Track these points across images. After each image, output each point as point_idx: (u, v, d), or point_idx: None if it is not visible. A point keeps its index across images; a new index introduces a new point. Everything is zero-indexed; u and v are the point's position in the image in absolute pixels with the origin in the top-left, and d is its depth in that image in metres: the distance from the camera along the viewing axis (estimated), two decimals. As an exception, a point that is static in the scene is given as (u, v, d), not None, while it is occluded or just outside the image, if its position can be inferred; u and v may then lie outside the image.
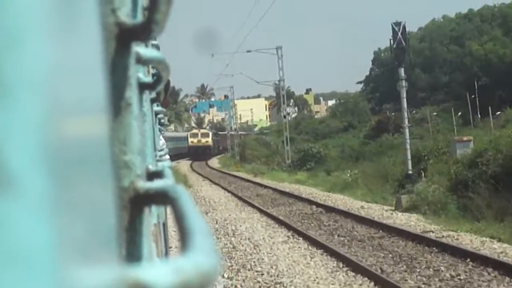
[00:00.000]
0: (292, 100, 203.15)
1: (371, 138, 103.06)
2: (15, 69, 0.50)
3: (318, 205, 31.71)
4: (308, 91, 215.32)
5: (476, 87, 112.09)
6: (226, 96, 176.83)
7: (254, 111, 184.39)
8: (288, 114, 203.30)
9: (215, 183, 51.81)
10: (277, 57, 66.69)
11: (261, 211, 31.24)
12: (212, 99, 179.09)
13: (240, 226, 26.99)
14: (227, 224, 27.88)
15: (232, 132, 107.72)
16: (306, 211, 30.55)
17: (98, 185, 0.75)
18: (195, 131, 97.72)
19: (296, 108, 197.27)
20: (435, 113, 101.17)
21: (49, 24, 0.55)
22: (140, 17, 1.82)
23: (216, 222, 28.35)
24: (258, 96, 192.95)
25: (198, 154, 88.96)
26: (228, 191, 44.04)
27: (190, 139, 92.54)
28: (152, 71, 3.08)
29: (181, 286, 0.79)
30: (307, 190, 41.73)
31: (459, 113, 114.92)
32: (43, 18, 0.54)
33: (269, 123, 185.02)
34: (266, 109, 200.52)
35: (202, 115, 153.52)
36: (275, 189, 42.61)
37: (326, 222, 26.66)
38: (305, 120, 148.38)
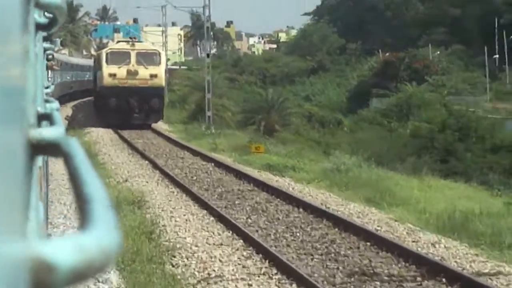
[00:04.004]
0: (211, 33, 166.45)
1: (376, 86, 68.94)
2: None
3: None
4: (229, 23, 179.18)
5: (496, 26, 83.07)
6: (135, 20, 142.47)
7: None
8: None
9: None
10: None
11: None
12: (118, 23, 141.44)
13: None
14: None
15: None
16: None
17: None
18: (121, 45, 40.30)
19: (215, 42, 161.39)
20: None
21: None
22: None
23: None
24: (173, 25, 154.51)
25: (129, 113, 37.97)
26: None
27: (106, 70, 37.98)
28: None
29: (84, 264, 0.79)
30: None
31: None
32: None
33: (183, 58, 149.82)
34: (181, 41, 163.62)
35: (105, 40, 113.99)
36: None
37: None
38: (245, 57, 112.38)
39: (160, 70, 38.73)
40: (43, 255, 0.74)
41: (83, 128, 36.50)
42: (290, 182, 20.02)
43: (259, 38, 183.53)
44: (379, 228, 13.56)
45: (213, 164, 24.00)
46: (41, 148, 1.43)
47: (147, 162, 24.49)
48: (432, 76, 67.82)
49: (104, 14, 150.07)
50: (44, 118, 2.11)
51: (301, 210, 15.58)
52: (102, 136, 33.73)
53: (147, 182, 19.69)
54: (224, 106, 47.84)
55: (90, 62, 61.49)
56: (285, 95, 54.42)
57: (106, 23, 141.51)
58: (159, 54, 39.75)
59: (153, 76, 37.92)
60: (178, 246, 12.21)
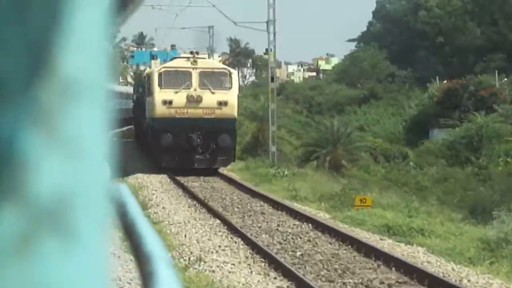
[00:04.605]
0: (250, 60, 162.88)
1: (437, 116, 62.99)
2: None
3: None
4: (268, 51, 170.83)
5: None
6: (172, 46, 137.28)
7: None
8: (245, 77, 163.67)
9: None
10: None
11: None
12: (155, 49, 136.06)
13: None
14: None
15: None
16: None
17: None
18: (179, 62, 29.85)
19: (254, 70, 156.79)
20: None
21: None
22: None
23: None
24: (211, 52, 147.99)
25: (189, 154, 28.44)
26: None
27: (158, 96, 28.71)
28: None
29: None
30: None
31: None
32: None
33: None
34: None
35: (142, 67, 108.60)
36: None
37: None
38: (288, 84, 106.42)
39: (231, 96, 28.67)
40: None
41: (125, 171, 27.01)
42: (444, 264, 13.04)
43: (298, 65, 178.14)
44: None
45: (310, 224, 17.02)
46: None
47: (218, 221, 17.72)
48: (500, 105, 61.07)
49: (140, 40, 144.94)
50: None
51: None
52: (149, 177, 26.89)
53: (233, 264, 12.72)
54: (283, 139, 41.07)
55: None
56: (351, 126, 47.73)
57: (143, 49, 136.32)
58: (230, 74, 29.34)
59: (222, 103, 28.17)
60: None
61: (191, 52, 29.82)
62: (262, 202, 20.95)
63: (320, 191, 23.00)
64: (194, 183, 25.37)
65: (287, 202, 20.68)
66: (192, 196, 22.16)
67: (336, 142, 40.72)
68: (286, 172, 27.12)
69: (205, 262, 12.86)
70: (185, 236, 15.48)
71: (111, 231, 0.57)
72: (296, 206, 20.14)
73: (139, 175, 26.99)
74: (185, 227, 16.64)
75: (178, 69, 28.71)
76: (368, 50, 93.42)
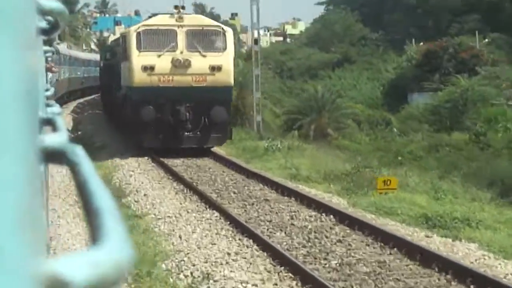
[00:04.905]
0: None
1: (416, 80, 61.37)
2: None
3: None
4: (234, 16, 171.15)
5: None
6: (136, 12, 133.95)
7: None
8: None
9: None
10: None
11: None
12: (118, 15, 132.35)
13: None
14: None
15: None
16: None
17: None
18: (161, 19, 24.19)
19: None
20: None
21: None
22: None
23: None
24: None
25: (176, 131, 23.48)
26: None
27: (137, 60, 23.33)
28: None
29: (98, 280, 0.78)
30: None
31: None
32: None
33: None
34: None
35: (105, 34, 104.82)
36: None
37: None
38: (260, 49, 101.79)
39: (226, 59, 23.61)
40: (58, 273, 0.71)
41: (95, 150, 22.26)
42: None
43: (264, 30, 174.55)
44: None
45: (331, 216, 13.77)
46: (46, 156, 1.37)
47: (216, 213, 14.30)
48: (482, 67, 58.20)
49: (103, 6, 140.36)
50: (47, 123, 2.04)
51: None
52: (122, 155, 23.34)
53: (254, 286, 9.43)
54: (265, 107, 37.60)
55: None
56: (337, 92, 44.47)
57: (106, 15, 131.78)
58: (224, 32, 24.16)
59: (215, 69, 23.18)
60: None
61: (176, 7, 24.38)
62: (261, 185, 17.55)
63: (324, 168, 19.69)
64: (176, 160, 21.78)
65: (291, 184, 17.34)
66: (177, 177, 18.70)
67: (321, 110, 37.51)
68: (279, 146, 23.68)
69: (215, 281, 9.50)
70: (180, 237, 12.08)
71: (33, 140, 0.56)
72: (303, 189, 16.80)
73: (112, 153, 23.33)
74: (177, 223, 13.21)
75: (161, 28, 23.70)
76: (339, 13, 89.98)
